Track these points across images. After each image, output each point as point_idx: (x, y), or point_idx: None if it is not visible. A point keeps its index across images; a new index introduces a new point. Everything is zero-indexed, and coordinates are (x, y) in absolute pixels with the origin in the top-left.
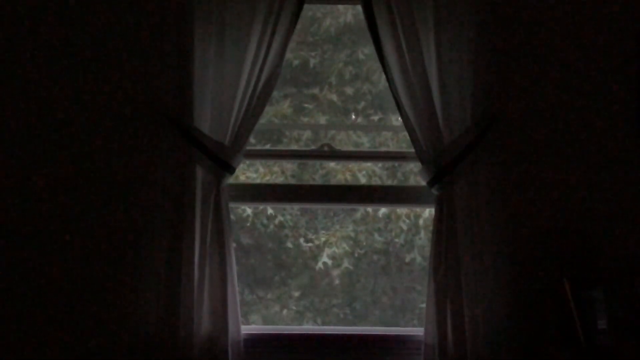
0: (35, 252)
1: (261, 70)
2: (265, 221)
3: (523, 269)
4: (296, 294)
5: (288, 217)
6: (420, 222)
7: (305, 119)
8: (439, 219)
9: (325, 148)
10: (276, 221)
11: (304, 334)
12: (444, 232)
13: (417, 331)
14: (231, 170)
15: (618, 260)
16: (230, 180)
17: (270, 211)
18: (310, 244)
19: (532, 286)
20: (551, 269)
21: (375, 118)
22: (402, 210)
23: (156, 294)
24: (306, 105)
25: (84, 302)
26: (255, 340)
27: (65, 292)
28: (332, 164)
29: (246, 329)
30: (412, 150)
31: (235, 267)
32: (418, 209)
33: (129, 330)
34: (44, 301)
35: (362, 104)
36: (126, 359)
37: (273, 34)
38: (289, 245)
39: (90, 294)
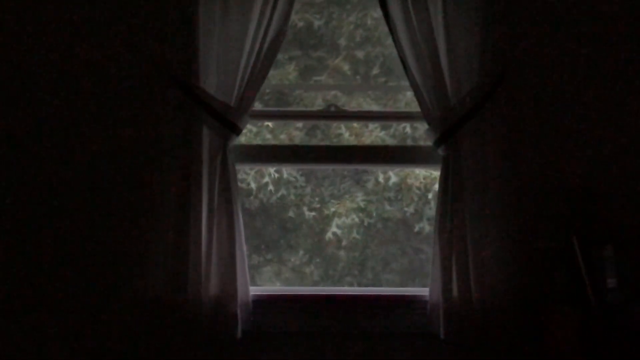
0: (44, 215)
1: (267, 30)
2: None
3: (531, 227)
4: (305, 257)
5: (293, 189)
6: (429, 195)
7: (310, 83)
8: (444, 178)
9: (332, 109)
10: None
11: (312, 294)
12: (449, 192)
13: (424, 291)
14: (237, 131)
15: (628, 217)
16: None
17: (270, 186)
18: (313, 213)
19: (541, 244)
20: (560, 227)
21: (391, 84)
22: (412, 180)
23: (164, 256)
24: (314, 69)
25: (93, 264)
26: (264, 301)
27: (74, 254)
28: (343, 134)
29: (255, 290)
30: (419, 110)
31: (242, 227)
32: (429, 182)
33: (138, 292)
34: (53, 264)
35: (375, 69)
36: (135, 321)
37: None
38: (291, 214)
39: (99, 255)
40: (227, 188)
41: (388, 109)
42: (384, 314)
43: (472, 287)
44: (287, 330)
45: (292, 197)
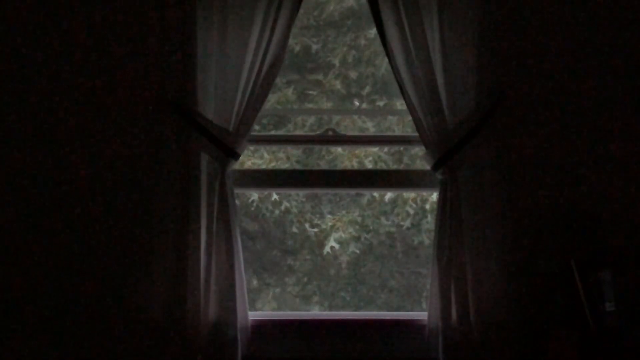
0: (40, 241)
1: (264, 55)
2: (270, 207)
3: (529, 251)
4: (303, 278)
5: (294, 202)
6: (427, 206)
7: (310, 105)
8: (443, 202)
9: (330, 132)
10: (282, 207)
11: (311, 319)
12: (448, 216)
13: (422, 315)
14: (236, 156)
15: (626, 241)
16: (235, 166)
17: (275, 196)
18: (316, 229)
19: (539, 269)
20: (558, 251)
21: (381, 103)
22: (408, 194)
23: (163, 281)
24: (310, 92)
25: (91, 289)
26: (263, 326)
27: (72, 279)
28: (338, 150)
29: (254, 315)
30: (417, 134)
31: (241, 253)
32: (425, 193)
33: (136, 317)
34: (50, 288)
35: (367, 89)
36: (134, 345)
37: (276, 18)
38: (295, 230)
39: (97, 280)
40: (225, 213)
41: (381, 127)
42: (384, 338)
43: (471, 311)
44: (286, 355)
45: (294, 210)
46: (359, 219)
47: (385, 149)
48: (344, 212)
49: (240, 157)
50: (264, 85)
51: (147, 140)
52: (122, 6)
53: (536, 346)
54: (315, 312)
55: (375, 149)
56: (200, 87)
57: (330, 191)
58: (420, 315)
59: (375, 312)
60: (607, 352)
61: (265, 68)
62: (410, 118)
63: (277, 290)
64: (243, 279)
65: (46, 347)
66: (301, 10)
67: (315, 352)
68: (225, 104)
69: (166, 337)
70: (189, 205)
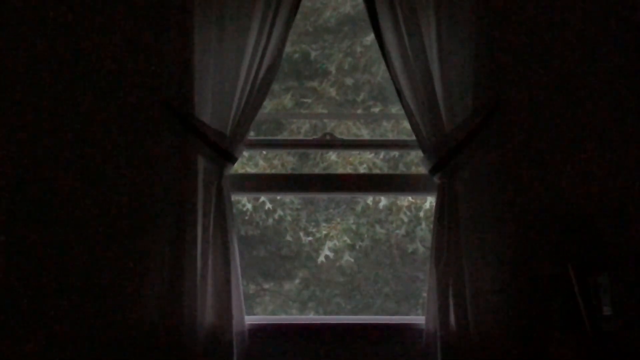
0: (36, 242)
1: (262, 59)
2: (263, 215)
3: (527, 256)
4: (299, 285)
5: (288, 211)
6: (421, 214)
7: (306, 112)
8: (440, 207)
9: (328, 137)
10: (276, 215)
11: (308, 323)
12: (445, 220)
13: (419, 319)
14: (233, 160)
15: (623, 245)
16: (231, 171)
17: (268, 205)
18: (310, 238)
19: (537, 272)
20: (556, 255)
21: (376, 110)
22: (402, 202)
23: (159, 285)
24: (306, 100)
25: (87, 293)
26: (260, 331)
27: (68, 283)
28: (332, 157)
29: (250, 320)
30: (414, 138)
31: (238, 257)
32: (419, 201)
33: (133, 321)
34: (46, 292)
35: (362, 95)
36: (130, 350)
37: (273, 23)
38: (289, 238)
39: (92, 284)
40: (222, 217)
41: (376, 134)
42: (382, 342)
43: (470, 315)
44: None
45: (289, 218)
46: (354, 227)
47: (381, 155)
48: (338, 219)
49: (235, 165)
50: (261, 89)
51: (144, 144)
52: (120, 10)
53: (534, 350)
54: (313, 317)
55: (370, 156)
56: (197, 91)
57: (327, 196)
58: (418, 319)
59: (373, 317)
60: (604, 356)
61: (262, 73)
62: (404, 125)
63: (274, 295)
64: (239, 283)
65: (43, 351)
66: (299, 16)
67: (313, 357)
68: (222, 107)
69: (162, 342)
70: (186, 208)
